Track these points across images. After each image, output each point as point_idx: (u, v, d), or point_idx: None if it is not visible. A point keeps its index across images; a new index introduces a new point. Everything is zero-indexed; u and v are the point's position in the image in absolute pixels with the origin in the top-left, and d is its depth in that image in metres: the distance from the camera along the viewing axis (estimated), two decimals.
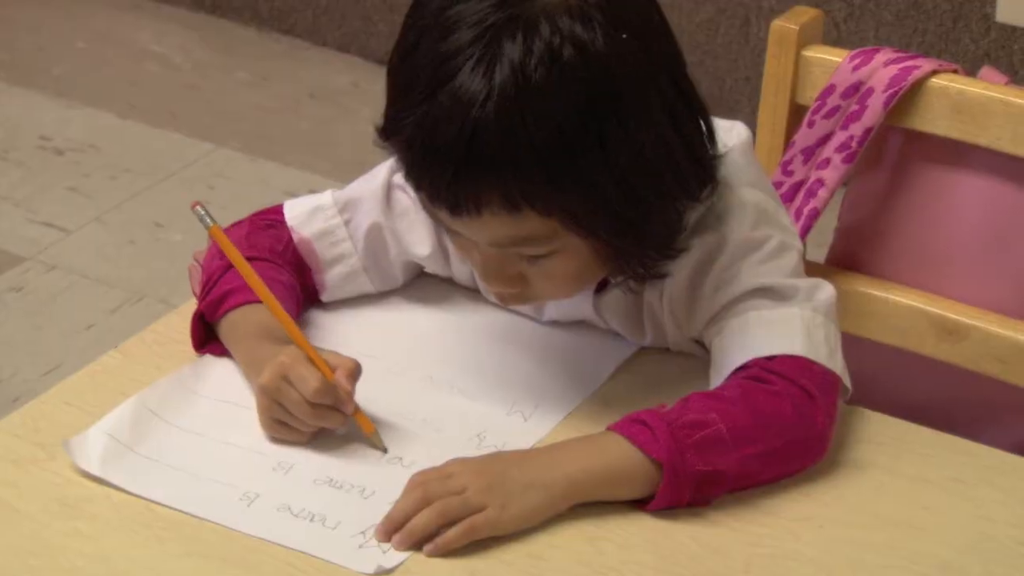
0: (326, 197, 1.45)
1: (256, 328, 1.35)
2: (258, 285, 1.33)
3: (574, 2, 1.24)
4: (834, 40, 2.78)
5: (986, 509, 1.27)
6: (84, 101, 3.14)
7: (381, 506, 1.24)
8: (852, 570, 1.22)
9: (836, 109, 1.57)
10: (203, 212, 1.34)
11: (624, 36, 1.25)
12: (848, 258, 1.61)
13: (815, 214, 1.57)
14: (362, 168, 1.47)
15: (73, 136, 3.04)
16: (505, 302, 1.40)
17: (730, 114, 1.43)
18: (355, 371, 1.29)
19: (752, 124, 1.50)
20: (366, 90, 3.15)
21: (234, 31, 3.39)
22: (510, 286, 1.33)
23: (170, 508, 1.25)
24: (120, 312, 2.60)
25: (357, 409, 1.30)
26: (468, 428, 1.33)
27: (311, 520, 1.24)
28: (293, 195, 1.49)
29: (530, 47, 1.23)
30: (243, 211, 1.48)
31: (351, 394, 1.29)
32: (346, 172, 1.55)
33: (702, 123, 1.33)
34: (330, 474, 1.28)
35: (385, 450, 1.30)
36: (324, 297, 1.46)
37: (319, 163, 2.96)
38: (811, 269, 1.53)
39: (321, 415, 1.29)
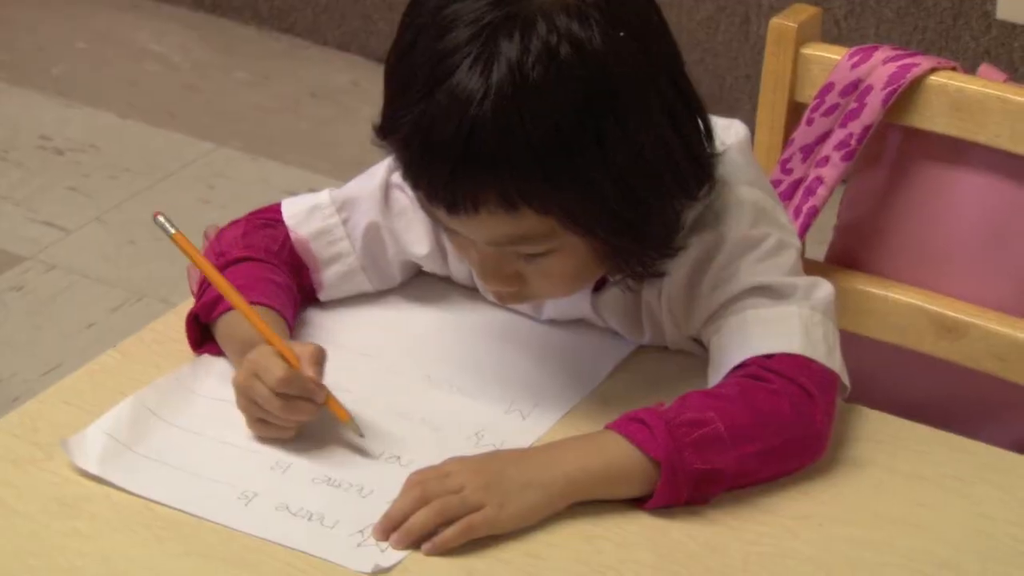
0: (324, 196, 1.45)
1: (250, 329, 1.35)
2: (219, 281, 1.32)
3: (571, 0, 1.23)
4: (834, 37, 2.78)
5: (984, 506, 1.27)
6: (84, 101, 3.14)
7: (379, 505, 1.24)
8: (850, 568, 1.22)
9: (835, 107, 1.56)
10: (164, 220, 1.33)
11: (622, 34, 1.25)
12: (848, 256, 1.61)
13: (814, 212, 1.57)
14: (363, 167, 1.47)
15: (73, 136, 3.04)
16: (503, 301, 1.40)
17: (730, 112, 1.43)
18: (317, 356, 1.28)
19: (752, 122, 1.50)
20: (366, 89, 3.15)
21: (234, 30, 3.39)
22: (508, 285, 1.33)
23: (169, 507, 1.25)
24: (120, 312, 2.60)
25: (329, 397, 1.29)
26: (466, 427, 1.33)
27: (309, 519, 1.24)
28: (293, 194, 1.49)
29: (527, 45, 1.23)
30: (243, 211, 1.48)
31: (318, 382, 1.28)
32: (347, 171, 1.55)
33: (700, 122, 1.33)
34: (328, 473, 1.28)
35: (362, 435, 1.29)
36: (322, 296, 1.46)
37: (319, 162, 2.96)
38: (810, 267, 1.54)
39: (291, 407, 1.28)
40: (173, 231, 1.33)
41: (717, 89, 2.96)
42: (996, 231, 1.54)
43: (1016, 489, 1.29)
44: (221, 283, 1.33)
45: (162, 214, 1.33)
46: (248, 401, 1.29)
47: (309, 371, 1.28)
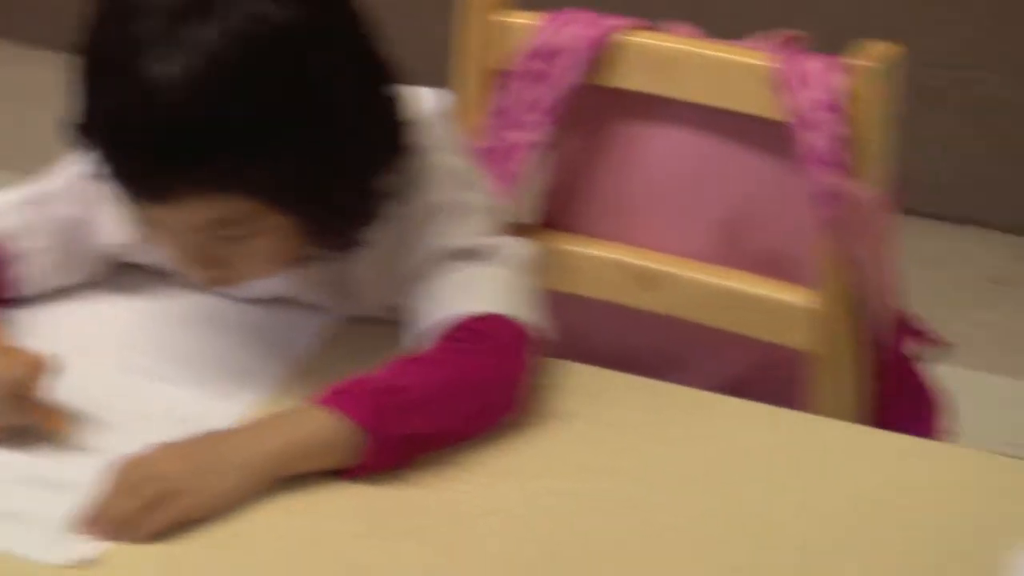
0: (17, 192, 1.43)
1: None
2: None
3: None
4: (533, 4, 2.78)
5: (679, 447, 1.30)
6: None
7: (81, 497, 1.22)
8: (551, 520, 1.23)
9: (533, 72, 1.58)
10: None
11: (306, 8, 1.25)
12: (554, 217, 1.63)
13: (517, 176, 1.58)
14: None
15: None
16: (209, 286, 1.39)
17: (435, 81, 1.44)
18: (41, 366, 1.27)
19: (452, 90, 1.51)
20: None
21: None
22: (213, 269, 1.32)
23: None
24: None
25: (45, 405, 1.28)
26: (171, 413, 1.32)
27: (8, 518, 1.21)
28: None
29: (213, 29, 1.22)
30: None
31: (31, 389, 1.27)
32: None
33: (394, 91, 1.33)
34: (27, 471, 1.26)
35: (69, 433, 1.28)
36: (20, 293, 1.43)
37: None
38: (516, 230, 1.55)
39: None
40: None
41: (421, 58, 2.94)
42: (692, 182, 1.56)
43: (708, 426, 1.33)
44: None
45: None
46: None
47: (31, 380, 1.26)
